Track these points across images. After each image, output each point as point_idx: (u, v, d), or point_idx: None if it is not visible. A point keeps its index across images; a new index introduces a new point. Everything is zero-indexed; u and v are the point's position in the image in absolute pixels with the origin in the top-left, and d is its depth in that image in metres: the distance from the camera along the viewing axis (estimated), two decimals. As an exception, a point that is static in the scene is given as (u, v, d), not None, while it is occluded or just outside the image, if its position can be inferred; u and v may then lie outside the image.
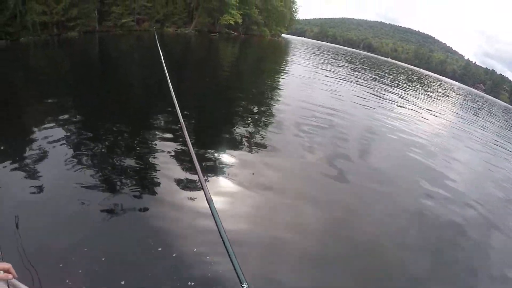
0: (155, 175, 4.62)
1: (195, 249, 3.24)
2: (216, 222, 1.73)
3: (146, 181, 4.42)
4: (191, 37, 35.71)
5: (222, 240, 1.62)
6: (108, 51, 20.97)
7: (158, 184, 4.40)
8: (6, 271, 1.33)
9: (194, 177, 4.66)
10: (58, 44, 19.78)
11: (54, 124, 5.94)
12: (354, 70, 30.39)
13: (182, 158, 5.26)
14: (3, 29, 17.18)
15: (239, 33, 51.31)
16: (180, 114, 3.12)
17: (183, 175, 4.76)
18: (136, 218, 3.65)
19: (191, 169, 4.80)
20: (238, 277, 1.44)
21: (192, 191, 4.36)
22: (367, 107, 13.10)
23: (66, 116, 6.47)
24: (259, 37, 57.56)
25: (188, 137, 2.81)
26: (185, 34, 37.19)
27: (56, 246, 3.02)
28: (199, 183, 4.17)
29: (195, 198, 4.18)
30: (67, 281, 2.63)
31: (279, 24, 65.97)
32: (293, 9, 75.39)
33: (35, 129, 5.66)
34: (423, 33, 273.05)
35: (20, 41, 17.70)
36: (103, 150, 5.12)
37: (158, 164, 4.92)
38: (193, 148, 2.84)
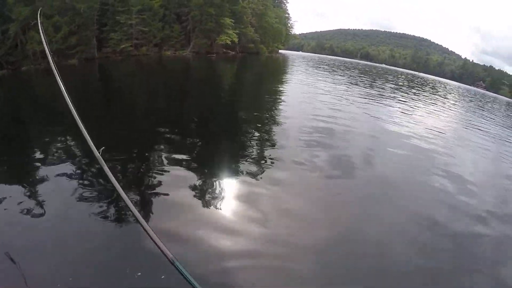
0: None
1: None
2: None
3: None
4: (189, 59, 36.28)
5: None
6: (107, 77, 21.32)
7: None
8: None
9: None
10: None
11: (58, 154, 6.21)
12: (354, 80, 30.47)
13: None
14: (5, 58, 17.91)
15: (236, 52, 52.00)
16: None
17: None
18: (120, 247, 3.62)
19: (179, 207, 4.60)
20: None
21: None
22: (370, 115, 12.83)
23: (70, 145, 6.74)
24: (257, 55, 58.29)
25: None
26: (183, 56, 37.78)
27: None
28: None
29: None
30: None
31: (275, 40, 66.81)
32: (289, 24, 76.58)
33: (40, 160, 5.86)
34: (419, 36, 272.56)
35: (21, 70, 18.19)
36: (100, 179, 5.06)
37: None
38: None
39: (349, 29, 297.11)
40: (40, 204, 4.26)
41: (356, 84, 26.33)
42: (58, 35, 21.49)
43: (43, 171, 5.30)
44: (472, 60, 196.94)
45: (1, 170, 5.69)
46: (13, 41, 18.37)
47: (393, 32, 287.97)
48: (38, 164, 5.65)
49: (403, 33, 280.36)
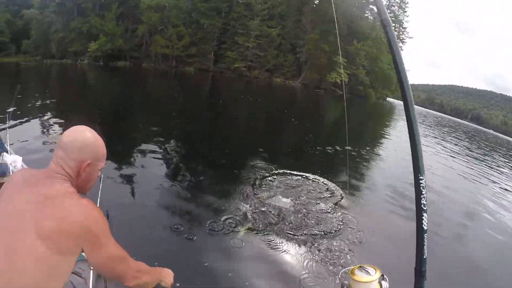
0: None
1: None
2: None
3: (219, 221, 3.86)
4: (297, 90, 35.10)
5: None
6: (218, 90, 20.70)
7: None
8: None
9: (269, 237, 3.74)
10: (175, 75, 20.45)
11: (156, 144, 6.65)
12: (460, 145, 24.75)
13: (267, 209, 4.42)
14: (130, 54, 18.61)
15: (344, 92, 49.72)
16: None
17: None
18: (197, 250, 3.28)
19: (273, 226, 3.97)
20: None
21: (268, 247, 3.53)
22: (469, 190, 10.13)
23: (170, 140, 7.20)
24: (364, 98, 55.13)
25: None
26: (292, 86, 36.83)
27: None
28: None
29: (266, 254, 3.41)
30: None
31: (385, 87, 62.72)
32: (401, 73, 72.26)
33: (140, 144, 6.50)
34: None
35: (142, 66, 18.82)
36: (191, 180, 5.14)
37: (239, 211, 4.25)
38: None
39: (462, 86, 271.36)
40: (133, 181, 4.62)
41: (462, 151, 21.02)
42: (180, 43, 22.07)
43: (140, 153, 5.97)
44: None
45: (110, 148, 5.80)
46: (140, 40, 19.23)
47: (509, 96, 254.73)
48: (138, 146, 6.33)
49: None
